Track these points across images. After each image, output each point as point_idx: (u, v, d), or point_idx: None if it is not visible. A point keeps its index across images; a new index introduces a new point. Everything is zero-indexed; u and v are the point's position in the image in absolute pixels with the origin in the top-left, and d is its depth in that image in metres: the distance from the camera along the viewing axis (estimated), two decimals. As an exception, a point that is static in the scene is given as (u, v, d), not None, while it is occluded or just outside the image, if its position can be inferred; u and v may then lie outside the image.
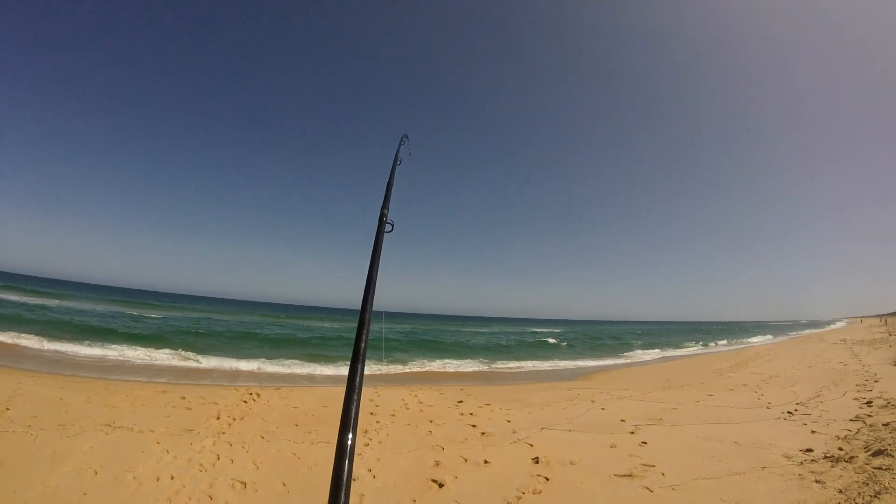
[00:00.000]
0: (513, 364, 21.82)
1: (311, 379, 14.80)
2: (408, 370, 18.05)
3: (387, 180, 3.23)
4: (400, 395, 11.35)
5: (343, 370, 16.42)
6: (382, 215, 2.71)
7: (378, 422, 8.52)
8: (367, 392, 11.76)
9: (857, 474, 5.00)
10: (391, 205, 2.95)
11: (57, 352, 15.51)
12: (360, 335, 1.88)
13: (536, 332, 59.39)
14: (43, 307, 33.41)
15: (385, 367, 17.89)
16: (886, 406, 8.41)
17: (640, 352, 31.14)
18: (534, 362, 23.18)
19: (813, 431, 7.22)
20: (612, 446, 6.92)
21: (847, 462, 5.39)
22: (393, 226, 2.70)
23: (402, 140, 3.97)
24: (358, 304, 1.99)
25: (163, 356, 16.28)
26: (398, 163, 3.59)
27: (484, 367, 20.24)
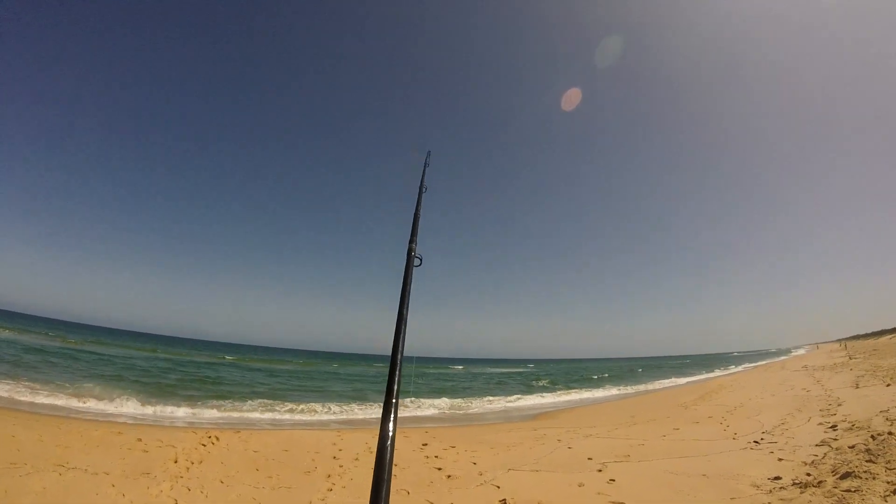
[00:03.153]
0: (477, 404, 21.51)
1: (272, 422, 14.21)
2: (369, 415, 17.54)
3: (413, 211, 3.09)
4: (363, 439, 10.94)
5: (305, 416, 15.97)
6: (410, 249, 2.63)
7: (341, 466, 8.20)
8: (328, 435, 11.37)
9: (826, 499, 4.94)
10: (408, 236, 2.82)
11: (11, 388, 14.65)
12: (392, 375, 1.87)
13: (504, 372, 59.20)
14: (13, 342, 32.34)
15: (346, 409, 17.47)
16: (851, 429, 8.46)
17: (609, 387, 31.17)
18: (500, 401, 22.96)
19: (780, 459, 7.19)
20: (580, 485, 6.75)
21: (816, 487, 5.34)
22: (421, 260, 2.60)
23: (426, 161, 3.79)
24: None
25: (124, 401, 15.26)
26: (424, 189, 3.43)
27: (449, 408, 19.84)
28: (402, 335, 2.07)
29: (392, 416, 1.69)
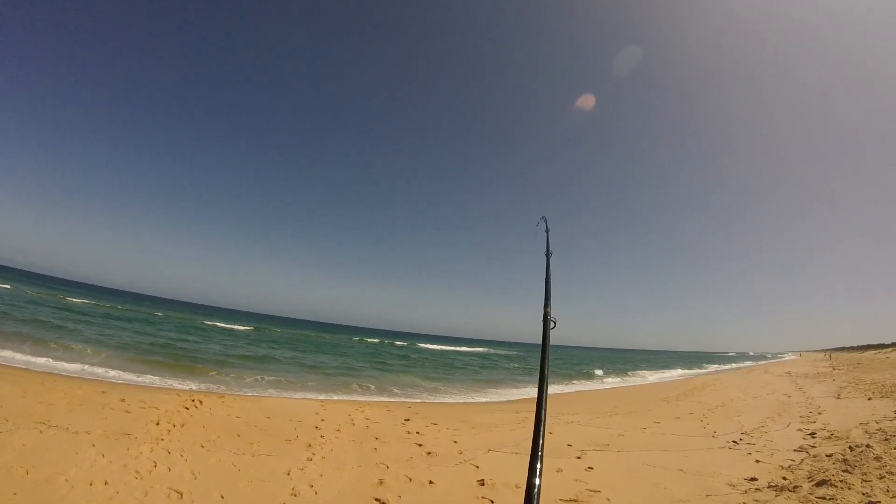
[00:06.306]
0: (461, 384, 21.57)
1: (254, 389, 14.21)
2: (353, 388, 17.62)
3: (544, 277, 3.16)
4: (346, 410, 11.00)
5: (290, 383, 15.99)
6: (546, 313, 2.67)
7: (322, 436, 8.21)
8: (312, 405, 11.45)
9: (800, 504, 4.99)
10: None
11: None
12: (537, 430, 1.89)
13: (490, 354, 59.52)
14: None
15: (332, 380, 17.49)
16: (830, 438, 8.55)
17: (590, 379, 31.36)
18: (486, 383, 23.04)
19: (757, 461, 7.26)
20: (559, 470, 6.79)
21: (791, 491, 5.39)
22: (556, 323, 2.63)
23: (546, 228, 3.83)
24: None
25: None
26: (550, 254, 3.47)
27: (432, 386, 19.90)
28: (545, 391, 2.11)
29: (538, 472, 1.69)
